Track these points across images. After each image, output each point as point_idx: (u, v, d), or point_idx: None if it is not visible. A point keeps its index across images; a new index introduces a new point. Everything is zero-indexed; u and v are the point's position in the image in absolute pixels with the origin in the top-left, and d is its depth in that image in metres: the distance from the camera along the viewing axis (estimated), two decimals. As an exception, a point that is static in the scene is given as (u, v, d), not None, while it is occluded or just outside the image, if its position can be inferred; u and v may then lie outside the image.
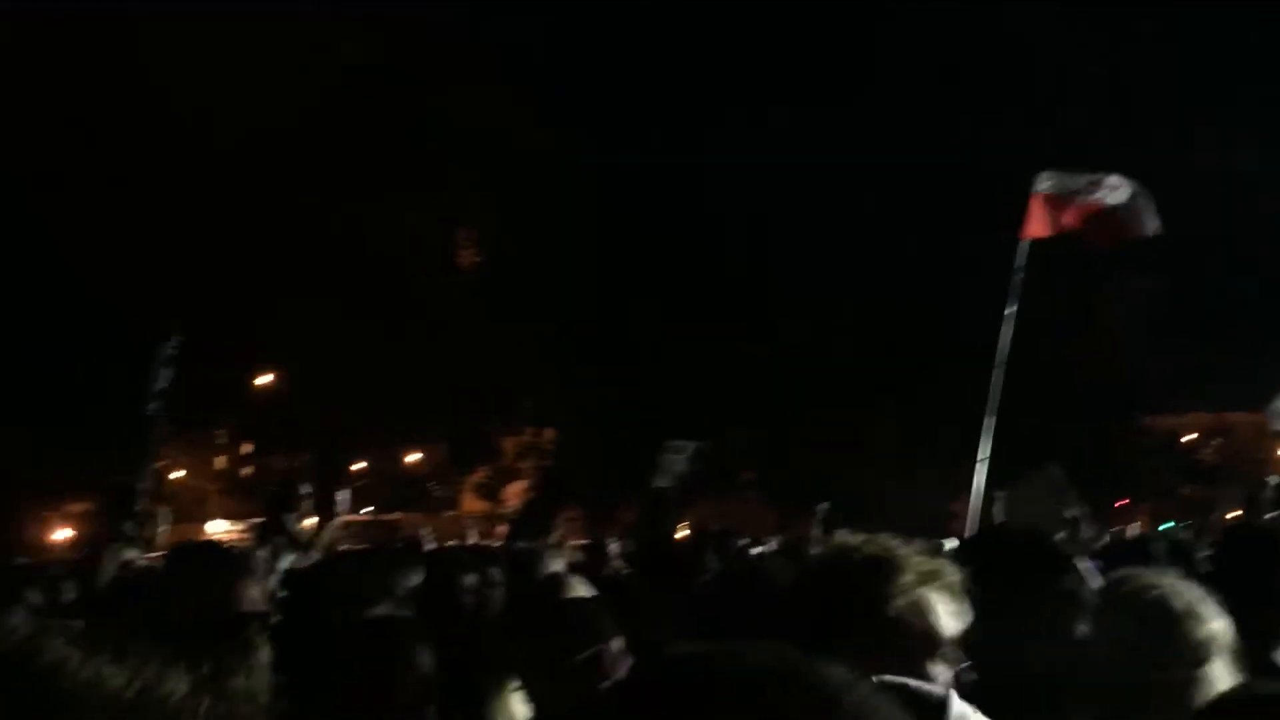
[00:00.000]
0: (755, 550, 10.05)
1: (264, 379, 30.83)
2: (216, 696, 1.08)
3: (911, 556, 2.18)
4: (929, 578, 2.15)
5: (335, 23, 24.27)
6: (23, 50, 21.39)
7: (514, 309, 25.94)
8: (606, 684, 2.89)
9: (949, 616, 2.14)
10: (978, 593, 2.17)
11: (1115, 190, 10.52)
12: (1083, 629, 2.30)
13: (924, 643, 2.13)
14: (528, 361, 26.73)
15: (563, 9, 25.74)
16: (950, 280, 24.23)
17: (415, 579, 3.60)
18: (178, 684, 1.06)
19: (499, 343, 26.23)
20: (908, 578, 2.13)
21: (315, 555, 6.82)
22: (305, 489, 7.45)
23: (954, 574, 2.16)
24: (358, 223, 24.46)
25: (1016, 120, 25.00)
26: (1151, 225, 10.71)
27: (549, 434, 31.81)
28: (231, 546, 3.43)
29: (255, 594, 2.90)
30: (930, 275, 25.30)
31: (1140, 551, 4.84)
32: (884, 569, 2.13)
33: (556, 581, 4.20)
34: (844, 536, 2.30)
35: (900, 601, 2.10)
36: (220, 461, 40.27)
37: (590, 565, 7.66)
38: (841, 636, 2.04)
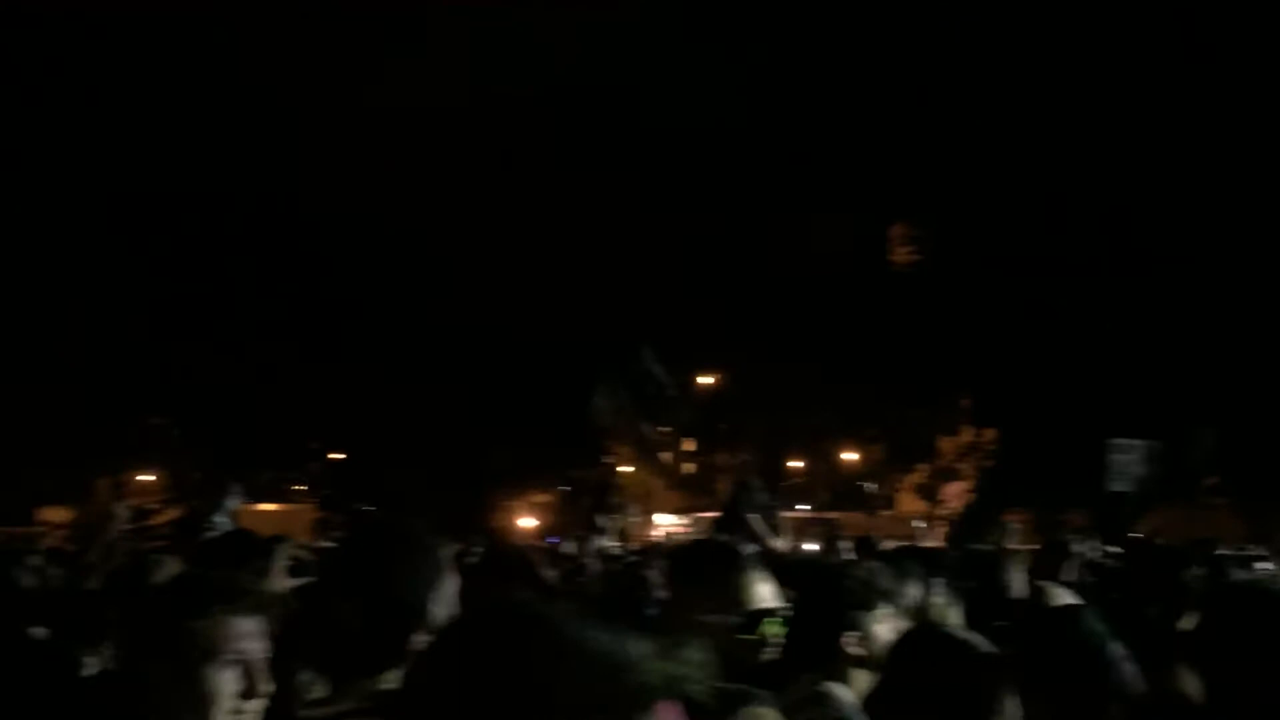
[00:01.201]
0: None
1: (706, 379, 31.89)
2: (673, 661, 1.24)
3: None
4: None
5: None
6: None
7: (952, 306, 25.36)
8: (1119, 701, 2.74)
9: None
10: None
11: None
12: None
13: None
14: (966, 360, 26.11)
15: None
16: None
17: (915, 585, 3.53)
18: (645, 651, 1.23)
19: (936, 341, 25.78)
20: None
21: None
22: (760, 486, 7.60)
23: None
24: (795, 222, 24.78)
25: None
26: None
27: (989, 434, 30.90)
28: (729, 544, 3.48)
29: (766, 591, 2.95)
30: None
31: None
32: None
33: (1043, 592, 4.04)
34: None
35: None
36: (665, 457, 42.15)
37: (1046, 570, 7.31)
38: None
